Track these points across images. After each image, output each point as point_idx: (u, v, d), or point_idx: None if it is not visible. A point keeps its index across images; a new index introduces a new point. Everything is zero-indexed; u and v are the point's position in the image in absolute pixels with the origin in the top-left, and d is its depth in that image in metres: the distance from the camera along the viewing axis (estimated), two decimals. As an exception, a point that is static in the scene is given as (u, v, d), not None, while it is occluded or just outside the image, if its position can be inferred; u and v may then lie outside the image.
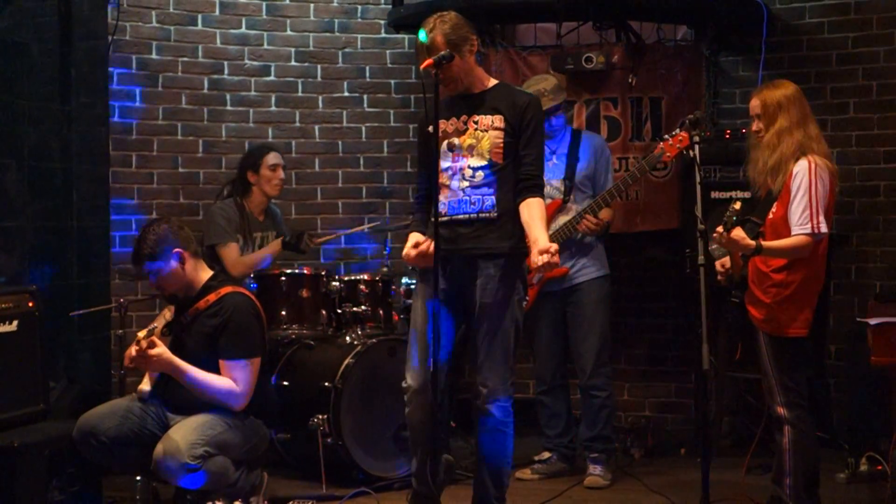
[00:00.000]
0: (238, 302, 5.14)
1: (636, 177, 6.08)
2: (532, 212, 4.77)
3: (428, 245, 4.76)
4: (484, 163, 4.84)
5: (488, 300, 4.82)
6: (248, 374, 5.07)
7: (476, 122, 4.86)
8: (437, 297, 4.63)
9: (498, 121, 4.85)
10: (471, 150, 4.86)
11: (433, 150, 4.78)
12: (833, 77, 7.05)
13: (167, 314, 5.40)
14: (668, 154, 5.84)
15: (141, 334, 4.94)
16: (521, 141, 4.85)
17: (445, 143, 4.89)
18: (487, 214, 4.83)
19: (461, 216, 4.84)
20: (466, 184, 4.83)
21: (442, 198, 4.81)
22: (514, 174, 4.85)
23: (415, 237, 4.86)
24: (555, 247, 4.61)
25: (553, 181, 6.20)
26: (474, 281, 4.84)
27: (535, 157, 4.87)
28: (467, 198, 4.83)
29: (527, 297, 6.20)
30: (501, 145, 4.83)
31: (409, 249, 4.81)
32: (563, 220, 6.16)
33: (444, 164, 4.88)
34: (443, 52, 4.69)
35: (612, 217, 6.31)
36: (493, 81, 5.01)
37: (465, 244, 4.82)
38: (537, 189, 4.83)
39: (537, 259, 4.58)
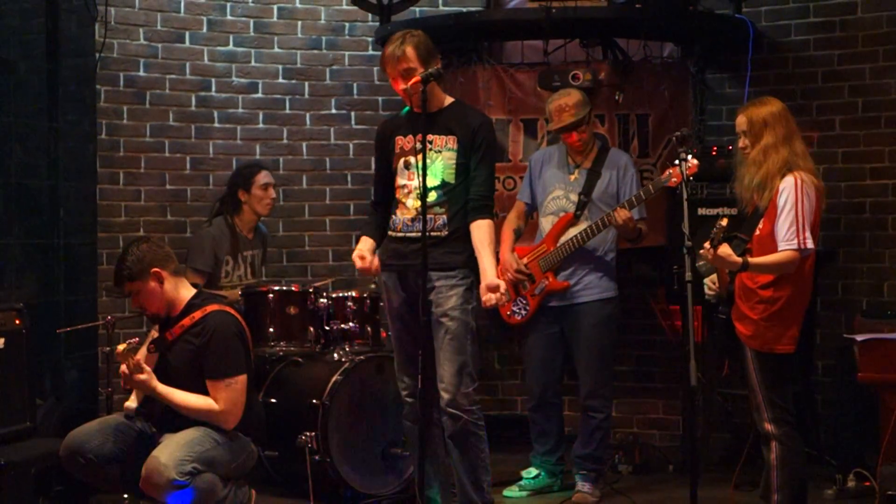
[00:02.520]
0: (220, 321, 5.12)
1: (641, 199, 5.98)
2: (482, 236, 4.95)
3: (371, 262, 5.08)
4: (437, 183, 4.98)
5: (439, 310, 4.95)
6: (233, 393, 5.05)
7: (430, 142, 4.96)
8: (401, 306, 5.10)
9: (451, 142, 4.99)
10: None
11: (420, 163, 4.87)
12: (819, 94, 7.08)
13: (154, 332, 5.40)
14: (674, 180, 5.74)
15: (120, 347, 4.94)
16: (472, 162, 4.99)
17: (402, 160, 5.06)
18: (438, 233, 4.98)
19: (412, 234, 5.00)
20: (420, 204, 4.91)
21: (398, 214, 5.07)
22: (466, 193, 5.00)
23: (365, 243, 5.14)
24: (503, 285, 4.85)
25: (570, 195, 6.19)
26: (427, 293, 4.93)
27: (484, 178, 5.01)
28: (419, 217, 4.92)
29: (523, 307, 6.24)
30: (454, 166, 4.99)
31: (355, 256, 5.10)
32: (572, 232, 6.12)
33: (400, 180, 5.07)
34: (430, 70, 4.80)
35: (646, 231, 6.24)
36: (448, 100, 5.13)
37: (416, 259, 4.90)
38: (486, 210, 5.00)
39: (485, 297, 4.87)
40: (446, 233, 4.99)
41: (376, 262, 5.10)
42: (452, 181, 4.99)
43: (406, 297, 5.09)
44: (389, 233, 5.15)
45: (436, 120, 5.01)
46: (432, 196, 4.94)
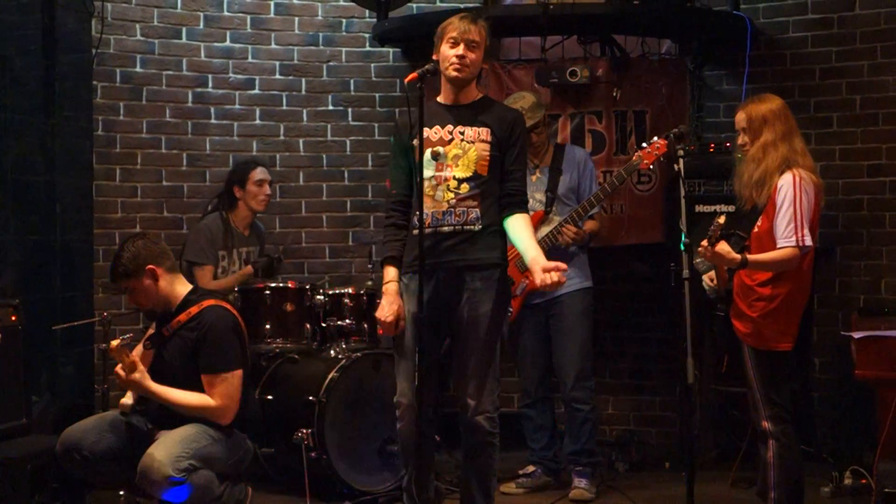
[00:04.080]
0: (216, 315, 5.11)
1: (615, 185, 6.06)
2: (523, 226, 4.81)
3: (397, 319, 4.80)
4: (469, 174, 4.80)
5: (475, 314, 4.79)
6: (229, 388, 5.04)
7: (462, 133, 4.83)
8: (421, 310, 4.63)
9: (485, 133, 4.83)
10: (456, 160, 4.81)
11: (418, 162, 4.73)
12: (816, 91, 7.08)
13: (151, 329, 5.39)
14: (645, 161, 5.83)
15: (114, 343, 4.93)
16: (508, 157, 4.85)
17: (429, 151, 4.83)
18: (472, 227, 4.79)
19: (445, 228, 4.78)
20: (451, 195, 4.79)
21: (425, 208, 4.77)
22: (497, 188, 4.84)
23: (392, 277, 4.85)
24: (563, 265, 4.63)
25: (536, 194, 6.23)
26: (460, 294, 4.81)
27: (521, 174, 4.90)
28: (452, 209, 4.78)
29: (510, 309, 6.21)
30: (488, 158, 4.81)
31: (389, 316, 4.80)
32: (545, 230, 6.16)
33: (427, 172, 4.81)
34: (427, 66, 4.71)
35: (598, 228, 6.34)
36: (478, 94, 4.98)
37: (450, 256, 4.77)
38: (524, 205, 4.87)
39: (544, 278, 4.58)
40: (480, 227, 4.80)
41: (402, 319, 4.82)
42: (485, 174, 4.80)
43: (430, 298, 4.73)
44: (414, 231, 4.80)
45: (468, 111, 4.88)
46: (465, 188, 4.79)
